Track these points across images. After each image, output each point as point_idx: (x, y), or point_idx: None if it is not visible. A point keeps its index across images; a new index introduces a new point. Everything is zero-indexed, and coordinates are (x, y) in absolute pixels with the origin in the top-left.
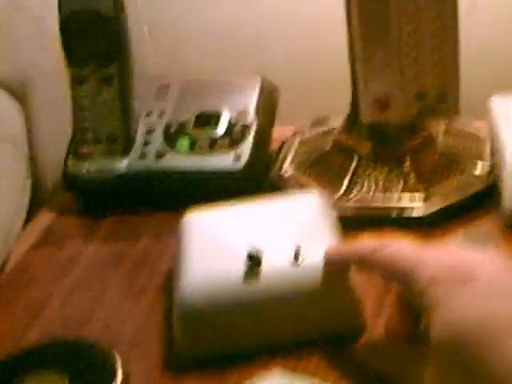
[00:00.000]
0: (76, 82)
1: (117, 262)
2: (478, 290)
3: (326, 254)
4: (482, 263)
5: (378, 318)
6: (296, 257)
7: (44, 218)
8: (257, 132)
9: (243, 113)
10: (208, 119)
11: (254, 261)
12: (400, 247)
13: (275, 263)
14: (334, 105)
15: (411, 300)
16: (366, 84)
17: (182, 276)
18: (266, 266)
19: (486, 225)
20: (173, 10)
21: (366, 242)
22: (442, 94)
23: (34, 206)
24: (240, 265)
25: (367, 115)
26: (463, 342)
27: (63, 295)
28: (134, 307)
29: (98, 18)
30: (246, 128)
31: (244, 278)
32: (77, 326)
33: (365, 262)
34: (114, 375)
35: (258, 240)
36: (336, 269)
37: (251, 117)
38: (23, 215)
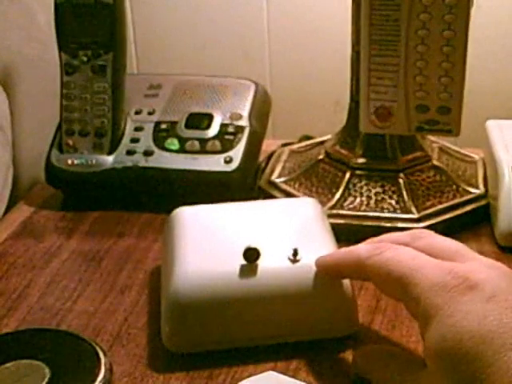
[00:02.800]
0: (67, 69)
1: (99, 257)
2: (481, 299)
3: (317, 261)
4: (483, 270)
5: (371, 323)
6: (294, 256)
7: (22, 210)
8: (249, 136)
9: (236, 116)
10: (200, 120)
11: (250, 258)
12: (397, 252)
13: (272, 261)
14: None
15: (404, 305)
16: (369, 93)
17: (175, 269)
18: (263, 264)
19: (478, 245)
20: (158, 9)
21: (361, 248)
22: (444, 109)
23: (11, 199)
24: (236, 261)
25: (367, 125)
26: (463, 356)
27: (43, 285)
28: (117, 301)
29: (96, 4)
30: (238, 131)
31: (239, 275)
32: (57, 316)
33: (359, 269)
34: (97, 367)
35: (255, 238)
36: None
37: (244, 120)
38: (4, 204)
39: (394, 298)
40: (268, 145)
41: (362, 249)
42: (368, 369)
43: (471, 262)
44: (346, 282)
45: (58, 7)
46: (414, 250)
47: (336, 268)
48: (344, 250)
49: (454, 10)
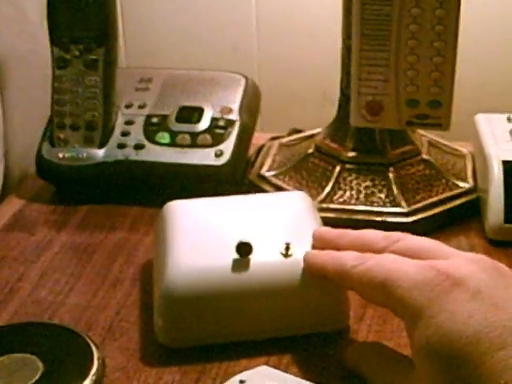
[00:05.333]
0: (59, 63)
1: (90, 250)
2: (466, 297)
3: (305, 257)
4: (466, 265)
5: (362, 318)
6: (286, 251)
7: (13, 204)
8: (240, 130)
9: (227, 109)
10: (190, 113)
11: (243, 252)
12: (379, 259)
13: (264, 256)
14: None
15: (390, 310)
16: (359, 87)
17: (167, 263)
18: (255, 259)
19: (468, 239)
20: (147, 3)
21: (346, 256)
22: (435, 103)
23: (2, 192)
24: (228, 255)
25: (357, 119)
26: (451, 358)
27: (35, 278)
28: (109, 295)
29: None
30: (229, 125)
31: (232, 269)
32: (49, 310)
33: (343, 277)
34: (90, 361)
35: (247, 233)
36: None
37: (235, 114)
38: None
39: (380, 305)
40: (257, 138)
41: (348, 258)
42: (359, 365)
43: (452, 258)
44: None
45: (50, 1)
46: (394, 254)
47: (321, 271)
48: (331, 254)
49: (444, 5)
